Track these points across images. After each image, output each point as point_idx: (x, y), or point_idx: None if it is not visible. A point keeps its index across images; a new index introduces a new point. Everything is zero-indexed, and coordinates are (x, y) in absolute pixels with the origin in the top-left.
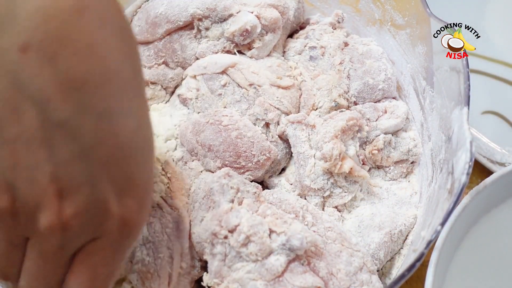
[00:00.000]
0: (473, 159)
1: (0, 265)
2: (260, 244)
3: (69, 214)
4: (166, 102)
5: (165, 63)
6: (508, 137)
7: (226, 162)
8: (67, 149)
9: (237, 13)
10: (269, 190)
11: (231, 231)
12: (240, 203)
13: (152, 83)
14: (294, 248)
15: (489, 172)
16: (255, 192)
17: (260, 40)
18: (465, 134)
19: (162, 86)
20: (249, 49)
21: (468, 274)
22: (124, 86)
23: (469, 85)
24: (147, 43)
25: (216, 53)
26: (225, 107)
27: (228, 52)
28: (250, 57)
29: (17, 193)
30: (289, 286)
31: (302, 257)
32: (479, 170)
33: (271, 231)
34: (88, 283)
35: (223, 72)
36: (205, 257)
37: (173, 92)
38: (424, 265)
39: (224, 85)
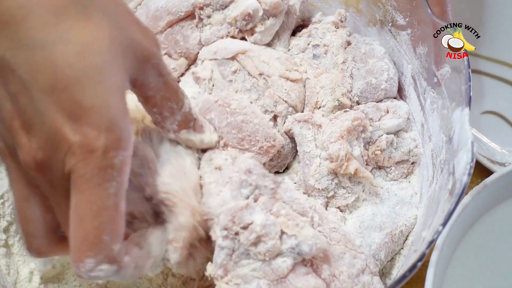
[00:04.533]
0: (474, 160)
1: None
2: (270, 245)
3: (36, 147)
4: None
5: (168, 54)
6: (508, 137)
7: (230, 143)
8: (13, 83)
9: None
10: (284, 187)
11: (244, 228)
12: (256, 200)
13: None
14: (303, 253)
15: (489, 172)
16: (272, 188)
17: (262, 24)
18: (467, 135)
19: None
20: (252, 34)
21: (468, 274)
22: (55, 16)
23: (470, 86)
24: None
25: (222, 37)
26: (236, 92)
27: (233, 37)
28: (253, 43)
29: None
30: (291, 287)
31: (307, 259)
32: (479, 170)
33: (282, 232)
34: (77, 227)
35: (233, 58)
36: (210, 233)
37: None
38: (424, 265)
39: (234, 72)
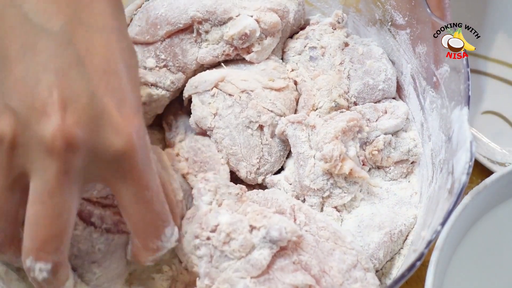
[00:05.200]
0: (473, 159)
1: None
2: (242, 240)
3: (72, 124)
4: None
5: (166, 67)
6: (508, 137)
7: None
8: (63, 57)
9: (237, 16)
10: (255, 190)
11: (212, 231)
12: (219, 205)
13: (153, 84)
14: (274, 239)
15: (489, 172)
16: (238, 193)
17: (259, 44)
18: (466, 134)
19: (162, 88)
20: (248, 52)
21: (468, 274)
22: (114, 9)
23: (469, 85)
24: (147, 44)
25: (217, 57)
26: (215, 113)
27: (228, 55)
28: (249, 61)
29: (18, 116)
30: (279, 283)
31: (289, 252)
32: (479, 170)
33: (252, 227)
34: (147, 209)
35: (214, 87)
36: (194, 269)
37: (175, 96)
38: (424, 265)
39: (213, 95)
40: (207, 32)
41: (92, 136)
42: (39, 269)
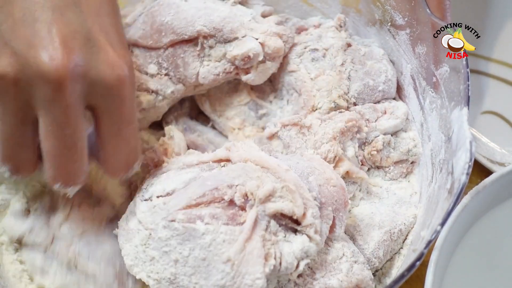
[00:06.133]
0: (473, 159)
1: (13, 151)
2: None
3: (72, 56)
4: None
5: (168, 75)
6: (508, 137)
7: None
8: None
9: (243, 37)
10: None
11: None
12: None
13: (153, 91)
14: None
15: (489, 172)
16: None
17: (259, 67)
18: (465, 134)
19: (163, 97)
20: (247, 73)
21: (467, 274)
22: None
23: (468, 85)
24: (149, 48)
25: (218, 75)
26: None
27: (228, 73)
28: (245, 81)
29: (19, 54)
30: None
31: None
32: (479, 170)
33: None
34: (125, 146)
35: None
36: None
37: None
38: (424, 265)
39: None
40: (211, 47)
41: (91, 68)
42: (70, 190)
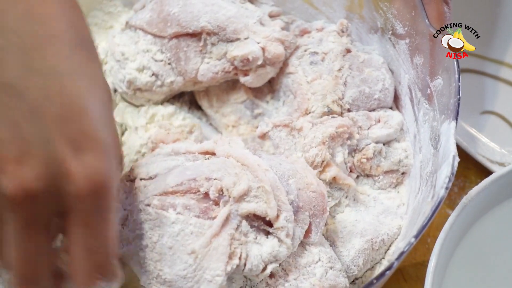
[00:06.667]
0: (454, 174)
1: None
2: None
3: (30, 178)
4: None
5: (170, 65)
6: (508, 137)
7: None
8: (17, 110)
9: (245, 39)
10: None
11: None
12: None
13: (154, 74)
14: None
15: (488, 172)
16: None
17: (258, 70)
18: (450, 148)
19: (161, 83)
20: (245, 75)
21: (467, 274)
22: (70, 49)
23: (459, 99)
24: (154, 35)
25: (217, 73)
26: None
27: (227, 72)
28: (243, 83)
29: None
30: None
31: None
32: (479, 170)
33: None
34: (88, 258)
35: None
36: None
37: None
38: (424, 265)
39: None
40: (213, 44)
41: (51, 185)
42: None
